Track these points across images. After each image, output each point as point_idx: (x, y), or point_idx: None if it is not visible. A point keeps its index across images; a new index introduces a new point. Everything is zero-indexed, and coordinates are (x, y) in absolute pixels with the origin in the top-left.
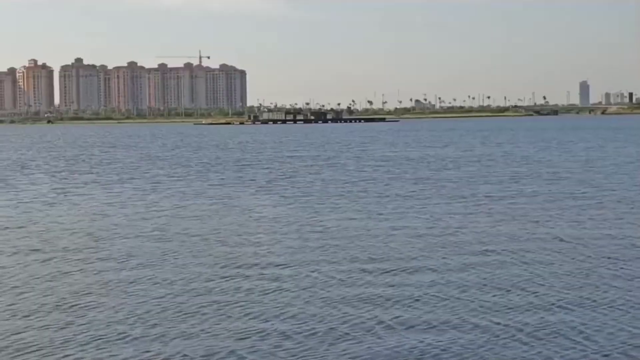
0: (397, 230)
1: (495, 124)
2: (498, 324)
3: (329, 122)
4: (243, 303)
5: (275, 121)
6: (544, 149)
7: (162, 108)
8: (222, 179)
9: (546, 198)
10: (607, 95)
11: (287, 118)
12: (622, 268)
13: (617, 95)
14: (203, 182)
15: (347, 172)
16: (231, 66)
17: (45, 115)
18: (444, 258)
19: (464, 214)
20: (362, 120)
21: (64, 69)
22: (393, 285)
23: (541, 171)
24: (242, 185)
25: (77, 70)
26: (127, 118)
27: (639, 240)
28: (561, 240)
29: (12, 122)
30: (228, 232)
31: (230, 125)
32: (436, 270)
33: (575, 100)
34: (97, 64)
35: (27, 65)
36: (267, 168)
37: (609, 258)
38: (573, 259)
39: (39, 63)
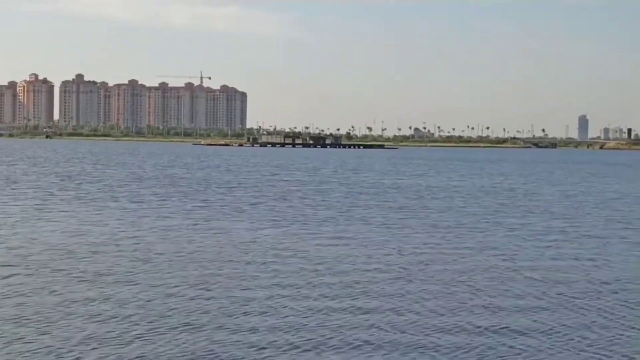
0: (369, 258)
1: (493, 155)
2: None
3: (328, 146)
4: (212, 325)
5: (274, 144)
6: (533, 181)
7: (161, 127)
8: (208, 200)
9: (513, 230)
10: (606, 130)
11: (286, 141)
12: (558, 294)
13: (616, 131)
14: (187, 203)
15: (334, 197)
16: (232, 87)
17: (44, 130)
18: (406, 286)
19: (437, 244)
20: (361, 146)
21: (65, 84)
22: (355, 312)
23: (521, 203)
24: (228, 209)
25: (77, 85)
26: (126, 135)
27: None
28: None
29: (11, 135)
30: (202, 254)
31: (228, 146)
32: (394, 296)
33: (574, 134)
34: (98, 80)
35: (27, 79)
36: (256, 191)
37: (559, 284)
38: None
39: (40, 77)
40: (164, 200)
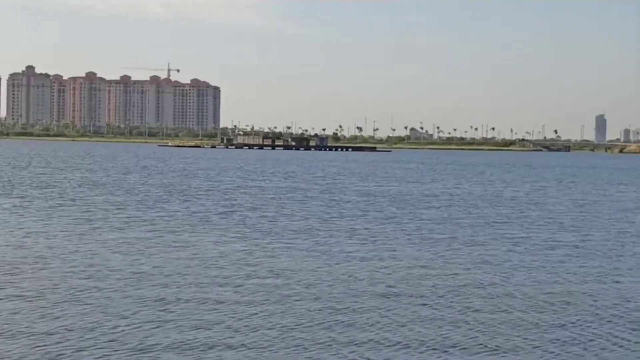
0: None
1: (497, 159)
2: None
3: (313, 149)
4: (170, 352)
5: (251, 146)
6: (540, 189)
7: (122, 126)
8: (170, 209)
9: (519, 244)
10: (627, 131)
11: (265, 143)
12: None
13: (638, 132)
14: (146, 212)
15: (314, 206)
16: (204, 82)
17: None
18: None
19: (423, 258)
20: (350, 149)
21: (13, 77)
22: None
23: (526, 214)
24: (192, 219)
25: (27, 78)
26: (82, 136)
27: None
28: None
29: None
30: (161, 271)
31: (199, 148)
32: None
33: (591, 136)
34: (51, 72)
35: None
36: (226, 199)
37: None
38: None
39: None
40: (120, 209)
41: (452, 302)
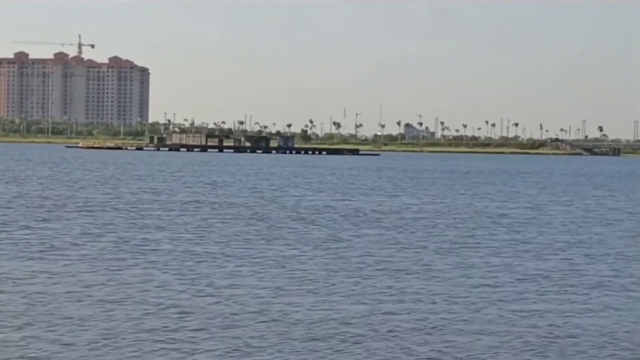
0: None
1: (516, 164)
2: None
3: (274, 151)
4: None
5: (190, 147)
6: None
7: (17, 120)
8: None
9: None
10: None
11: (210, 143)
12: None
13: None
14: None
15: (248, 228)
16: (126, 61)
17: None
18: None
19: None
20: (324, 152)
21: None
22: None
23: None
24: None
25: None
26: None
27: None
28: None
29: None
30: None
31: (121, 150)
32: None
33: None
34: None
35: None
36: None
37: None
38: None
39: None
40: None
41: (419, 339)
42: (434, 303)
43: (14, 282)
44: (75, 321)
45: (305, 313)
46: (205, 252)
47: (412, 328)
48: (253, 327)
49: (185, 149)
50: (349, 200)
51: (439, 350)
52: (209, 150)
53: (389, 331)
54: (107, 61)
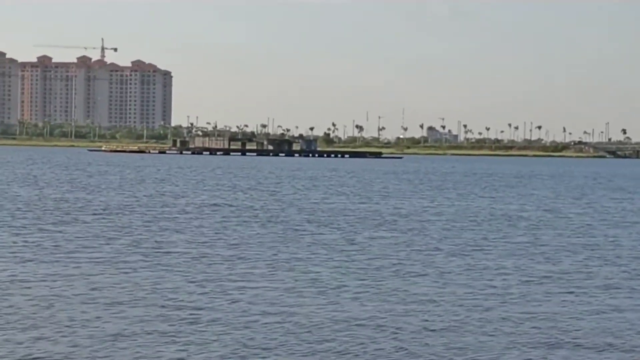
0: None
1: (537, 167)
2: None
3: (296, 154)
4: None
5: (213, 151)
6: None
7: (41, 124)
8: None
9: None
10: None
11: (232, 147)
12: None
13: None
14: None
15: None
16: (149, 64)
17: None
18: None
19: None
20: (347, 155)
21: None
22: None
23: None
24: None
25: None
26: None
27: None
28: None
29: None
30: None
31: (144, 154)
32: None
33: None
34: None
35: None
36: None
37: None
38: None
39: None
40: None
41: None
42: (443, 304)
43: (26, 285)
44: (87, 322)
45: (316, 314)
46: (219, 254)
47: (421, 329)
48: (264, 328)
49: (208, 153)
50: (367, 203)
51: (447, 352)
52: (231, 153)
53: (396, 332)
54: (130, 64)
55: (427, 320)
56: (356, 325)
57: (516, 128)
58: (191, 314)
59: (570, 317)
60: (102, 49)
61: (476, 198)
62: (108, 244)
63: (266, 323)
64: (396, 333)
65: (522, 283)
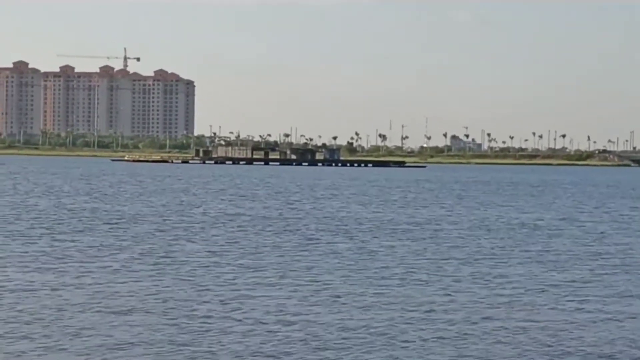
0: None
1: (556, 175)
2: None
3: (320, 164)
4: None
5: (236, 160)
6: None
7: (63, 134)
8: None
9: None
10: None
11: (256, 156)
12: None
13: None
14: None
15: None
16: (172, 74)
17: None
18: None
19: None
20: (370, 164)
21: None
22: None
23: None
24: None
25: None
26: (9, 147)
27: None
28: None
29: None
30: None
31: (167, 163)
32: None
33: None
34: None
35: None
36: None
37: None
38: None
39: None
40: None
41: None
42: (453, 312)
43: (37, 292)
44: (97, 331)
45: (327, 323)
46: (231, 263)
47: (431, 338)
48: (274, 336)
49: (230, 162)
50: (383, 212)
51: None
52: (254, 163)
53: (405, 340)
54: (152, 74)
55: (437, 329)
56: (365, 333)
57: (540, 137)
58: (203, 324)
59: (580, 326)
60: (125, 58)
61: (495, 207)
62: (121, 253)
63: (277, 332)
64: (406, 341)
65: (533, 292)
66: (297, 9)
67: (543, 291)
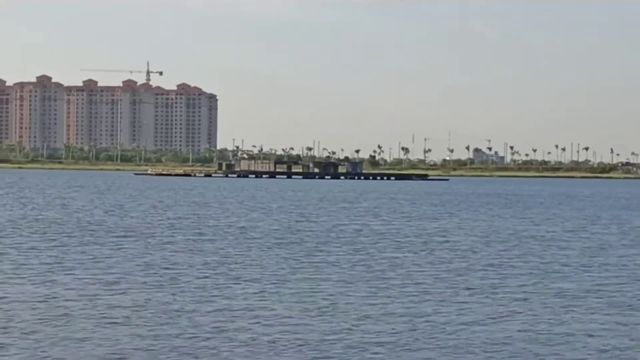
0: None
1: (576, 188)
2: None
3: (342, 177)
4: None
5: (259, 174)
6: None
7: (87, 148)
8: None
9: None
10: None
11: (278, 169)
12: None
13: None
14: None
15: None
16: (195, 87)
17: None
18: None
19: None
20: (393, 177)
21: None
22: None
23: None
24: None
25: None
26: (33, 161)
27: None
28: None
29: None
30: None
31: (190, 177)
32: None
33: None
34: None
35: None
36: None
37: None
38: None
39: None
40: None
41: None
42: (458, 324)
43: (41, 302)
44: (101, 341)
45: (330, 336)
46: (236, 275)
47: (433, 347)
48: (278, 349)
49: (253, 176)
50: (394, 224)
51: None
52: (277, 176)
53: (407, 350)
54: (175, 88)
55: (439, 339)
56: (369, 344)
57: (563, 149)
58: (207, 335)
59: (582, 335)
60: (148, 72)
61: (509, 219)
62: (130, 262)
63: (281, 344)
64: (408, 350)
65: (534, 302)
66: (319, 23)
67: (544, 301)
